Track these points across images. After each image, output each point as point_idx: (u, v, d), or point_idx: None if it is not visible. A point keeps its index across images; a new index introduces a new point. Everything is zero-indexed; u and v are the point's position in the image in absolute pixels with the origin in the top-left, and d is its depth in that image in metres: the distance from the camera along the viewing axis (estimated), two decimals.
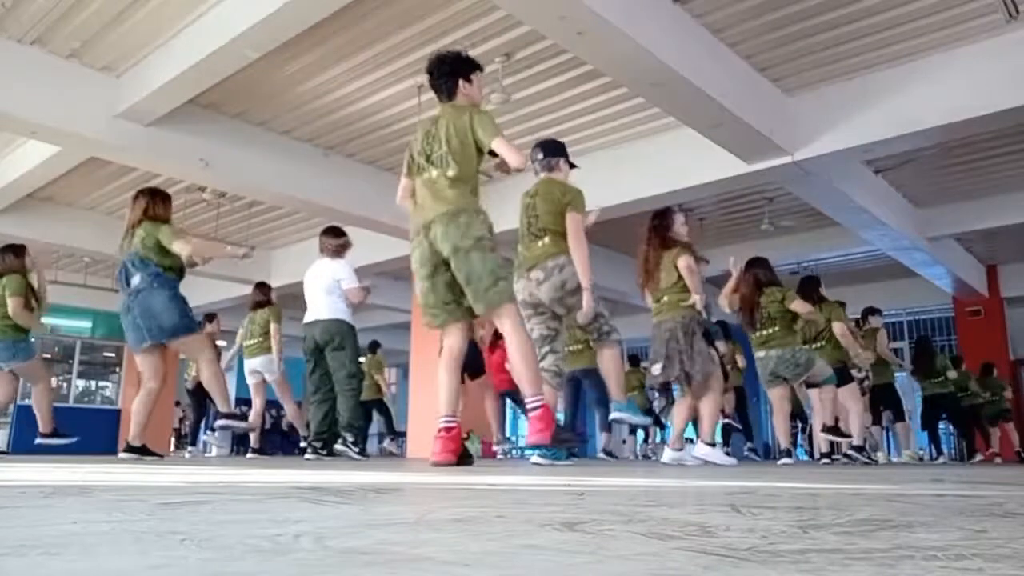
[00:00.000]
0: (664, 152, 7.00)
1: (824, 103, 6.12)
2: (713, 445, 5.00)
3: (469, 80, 3.61)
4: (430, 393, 7.51)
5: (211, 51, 5.12)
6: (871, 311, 8.00)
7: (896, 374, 8.29)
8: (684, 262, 4.73)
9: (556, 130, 6.96)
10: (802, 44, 5.58)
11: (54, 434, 5.69)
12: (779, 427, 6.19)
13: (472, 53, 4.96)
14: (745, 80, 5.78)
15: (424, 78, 3.76)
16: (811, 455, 11.29)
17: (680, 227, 4.96)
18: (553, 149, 4.35)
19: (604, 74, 5.58)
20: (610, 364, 4.38)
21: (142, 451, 4.81)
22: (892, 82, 5.81)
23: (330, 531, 0.78)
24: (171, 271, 4.67)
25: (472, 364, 6.22)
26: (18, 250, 5.78)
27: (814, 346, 6.29)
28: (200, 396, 8.08)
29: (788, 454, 6.14)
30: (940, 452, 9.09)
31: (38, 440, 5.70)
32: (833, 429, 6.00)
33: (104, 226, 9.18)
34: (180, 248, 4.59)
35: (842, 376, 6.16)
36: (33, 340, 5.65)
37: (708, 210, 8.96)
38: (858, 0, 5.09)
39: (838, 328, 6.21)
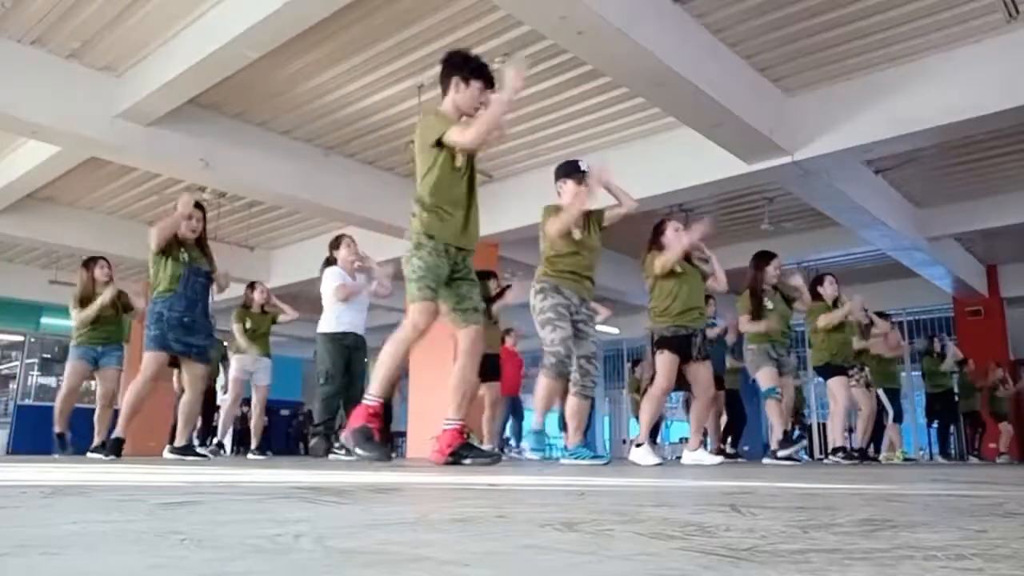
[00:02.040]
0: (664, 152, 7.00)
1: (824, 103, 6.11)
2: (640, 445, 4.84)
3: (466, 82, 3.32)
4: (430, 393, 7.53)
5: (211, 51, 5.13)
6: (877, 315, 7.98)
7: (903, 374, 8.33)
8: (656, 264, 4.81)
9: (556, 130, 6.96)
10: (802, 44, 5.58)
11: (58, 438, 5.83)
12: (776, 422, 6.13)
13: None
14: (745, 80, 5.78)
15: (424, 78, 3.74)
16: (810, 455, 11.25)
17: (670, 234, 4.88)
18: (556, 173, 4.49)
19: (604, 74, 5.58)
20: (536, 390, 4.35)
21: (185, 451, 4.97)
22: (892, 82, 5.81)
23: (330, 531, 0.78)
24: (154, 286, 4.72)
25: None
26: (85, 263, 5.89)
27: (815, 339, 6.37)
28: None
29: (787, 456, 5.99)
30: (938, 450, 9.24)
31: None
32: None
33: (104, 226, 9.18)
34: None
35: (823, 369, 6.30)
36: (75, 347, 5.74)
37: (708, 210, 8.94)
38: (858, 0, 5.10)
39: (820, 321, 6.29)
